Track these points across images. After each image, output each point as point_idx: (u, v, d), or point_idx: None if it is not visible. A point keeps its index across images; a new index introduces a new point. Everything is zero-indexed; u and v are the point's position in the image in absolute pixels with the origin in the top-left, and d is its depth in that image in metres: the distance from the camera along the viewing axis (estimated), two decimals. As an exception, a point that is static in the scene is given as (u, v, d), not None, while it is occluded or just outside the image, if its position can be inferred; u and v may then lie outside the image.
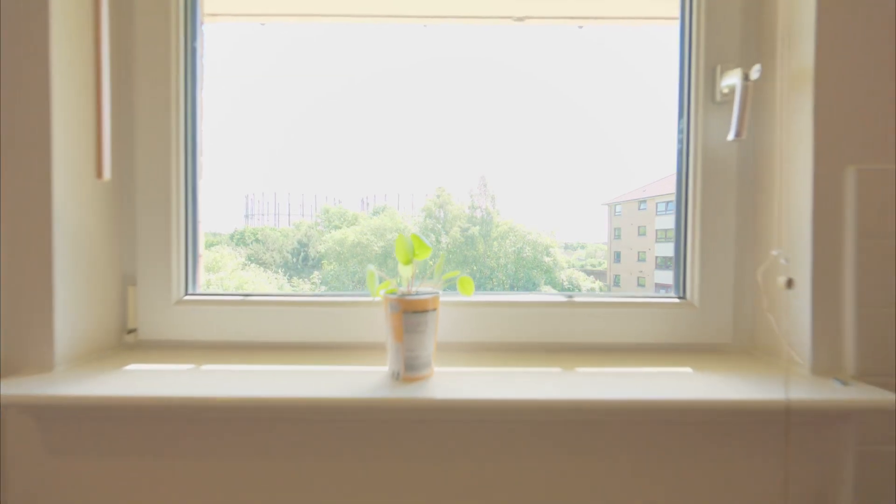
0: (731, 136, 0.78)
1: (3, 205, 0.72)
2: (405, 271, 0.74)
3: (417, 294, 0.71)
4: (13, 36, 0.71)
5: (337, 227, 1.35)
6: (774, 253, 0.70)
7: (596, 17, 1.27)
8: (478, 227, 1.35)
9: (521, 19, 1.29)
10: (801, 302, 0.75)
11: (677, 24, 0.91)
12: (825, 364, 0.73)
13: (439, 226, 1.34)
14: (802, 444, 0.73)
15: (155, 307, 0.86)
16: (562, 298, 0.88)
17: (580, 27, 1.28)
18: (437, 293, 0.72)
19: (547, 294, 0.90)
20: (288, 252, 1.24)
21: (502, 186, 1.31)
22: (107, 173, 0.69)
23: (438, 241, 0.99)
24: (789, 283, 0.66)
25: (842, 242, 0.73)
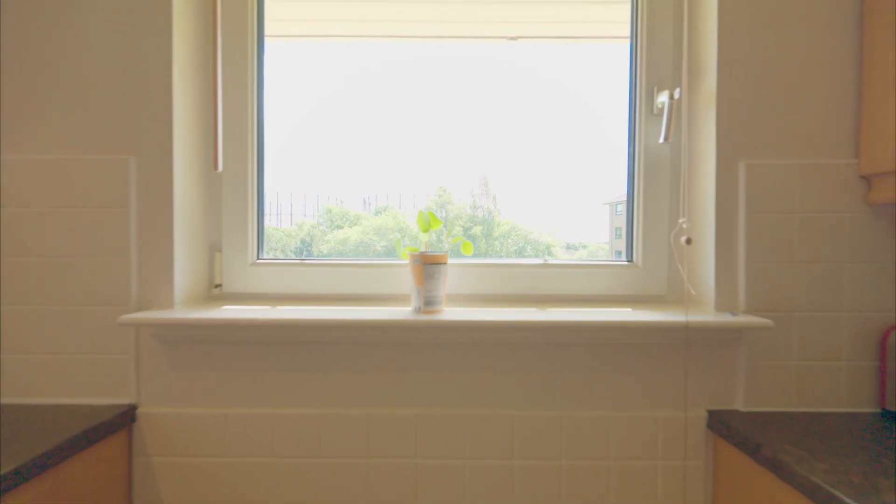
0: (661, 140, 1.09)
1: (139, 191, 1.03)
2: (423, 237, 1.05)
3: (433, 251, 1.02)
4: (142, 61, 1.02)
5: (339, 227, 1.55)
6: (681, 220, 1.01)
7: (579, 37, 1.55)
8: (480, 227, 1.56)
9: (513, 39, 1.58)
10: (707, 260, 1.06)
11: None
12: (724, 303, 1.04)
13: (434, 239, 1.54)
14: (705, 362, 1.04)
15: (235, 268, 1.17)
16: (539, 261, 1.19)
17: (566, 44, 1.57)
18: (447, 252, 1.03)
19: (528, 259, 1.21)
20: (291, 251, 1.45)
21: (504, 186, 1.52)
22: (220, 166, 1.00)
23: (440, 240, 1.15)
24: (688, 241, 0.97)
25: (736, 215, 1.04)
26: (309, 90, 1.40)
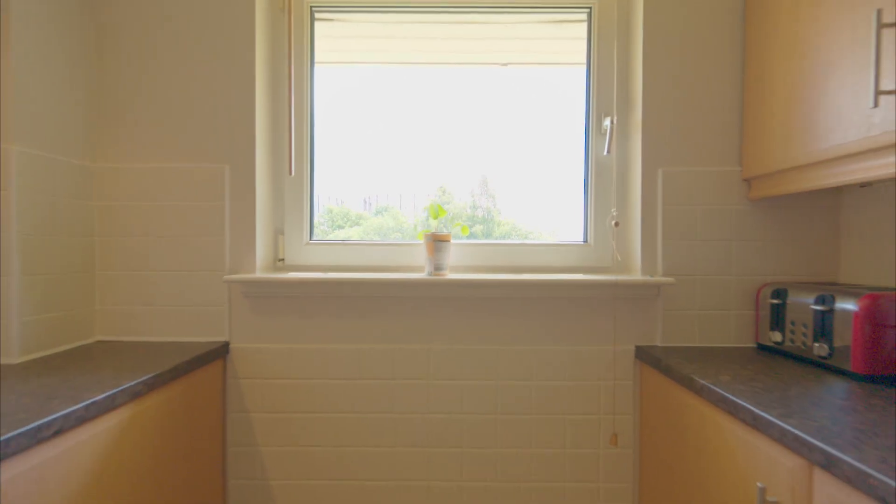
0: (605, 153, 1.54)
1: (231, 190, 1.47)
2: (433, 223, 1.50)
3: (440, 232, 1.46)
4: (234, 98, 1.46)
5: (340, 227, 1.61)
6: (612, 210, 1.45)
7: (559, 63, 1.97)
8: (480, 226, 1.63)
9: (505, 65, 2.01)
10: (636, 239, 1.51)
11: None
12: (647, 270, 1.49)
13: (441, 224, 1.57)
14: (634, 311, 1.49)
15: (293, 246, 1.62)
16: (518, 241, 1.63)
17: (549, 69, 1.99)
18: (450, 233, 1.48)
19: (510, 240, 1.65)
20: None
21: (503, 187, 1.63)
22: (293, 172, 1.44)
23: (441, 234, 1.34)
24: (616, 224, 1.41)
25: (656, 207, 1.48)
26: (316, 98, 1.63)
